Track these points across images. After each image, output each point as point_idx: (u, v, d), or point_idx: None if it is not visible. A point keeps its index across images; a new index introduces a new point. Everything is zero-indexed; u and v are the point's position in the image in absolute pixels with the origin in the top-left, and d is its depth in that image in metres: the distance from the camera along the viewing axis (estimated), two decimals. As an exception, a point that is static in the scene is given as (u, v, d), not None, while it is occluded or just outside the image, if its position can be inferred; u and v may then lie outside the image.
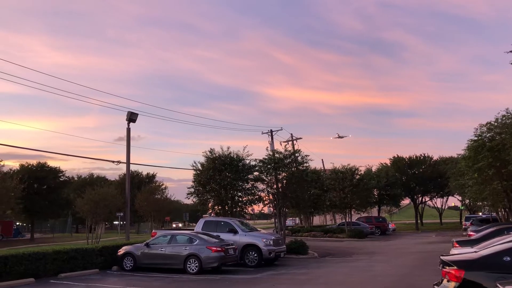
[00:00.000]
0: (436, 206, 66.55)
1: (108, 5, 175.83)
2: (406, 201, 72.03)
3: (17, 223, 58.06)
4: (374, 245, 30.82)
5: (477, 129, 25.31)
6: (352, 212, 41.85)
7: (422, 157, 58.32)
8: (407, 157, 58.71)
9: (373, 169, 51.86)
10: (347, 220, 40.24)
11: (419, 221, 60.83)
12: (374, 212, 62.07)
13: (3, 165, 38.46)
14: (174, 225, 66.23)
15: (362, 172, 41.76)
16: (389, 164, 58.72)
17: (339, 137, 62.52)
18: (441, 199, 64.14)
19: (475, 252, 8.50)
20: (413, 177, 57.41)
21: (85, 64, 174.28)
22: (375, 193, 50.34)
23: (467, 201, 52.25)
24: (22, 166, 45.76)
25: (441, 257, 7.86)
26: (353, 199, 38.07)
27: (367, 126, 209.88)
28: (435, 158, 58.35)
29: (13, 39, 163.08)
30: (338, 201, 38.24)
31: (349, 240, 35.58)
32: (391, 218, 71.73)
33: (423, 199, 62.35)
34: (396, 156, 59.31)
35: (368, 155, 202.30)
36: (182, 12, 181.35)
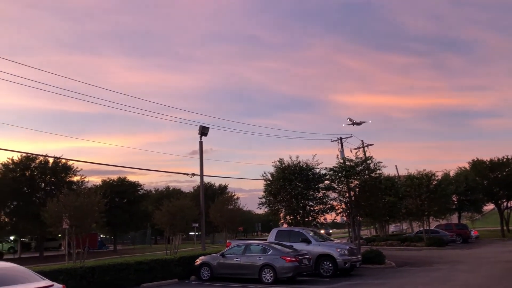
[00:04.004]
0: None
1: (176, 24, 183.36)
2: (490, 207, 67.68)
3: (101, 236, 61.57)
4: (456, 254, 29.28)
5: None
6: (430, 220, 40.07)
7: (505, 159, 54.56)
8: (488, 160, 55.23)
9: (451, 173, 49.44)
10: (425, 228, 38.60)
11: (505, 228, 56.90)
12: (454, 219, 58.96)
13: (88, 181, 41.46)
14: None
15: (439, 177, 39.95)
16: (468, 168, 55.62)
17: (353, 123, 52.33)
18: (530, 204, 59.56)
19: None
20: (496, 181, 53.85)
21: (157, 82, 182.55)
22: (454, 199, 47.92)
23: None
24: (104, 181, 48.65)
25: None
26: (431, 206, 36.50)
27: (442, 129, 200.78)
28: (520, 159, 54.34)
29: (91, 62, 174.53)
30: (414, 208, 36.85)
31: (428, 249, 34.09)
32: (473, 225, 67.66)
33: (509, 204, 58.29)
34: (475, 159, 56.01)
35: (444, 159, 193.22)
36: (246, 25, 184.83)
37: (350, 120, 51.39)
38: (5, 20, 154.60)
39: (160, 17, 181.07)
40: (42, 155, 38.59)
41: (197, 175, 27.99)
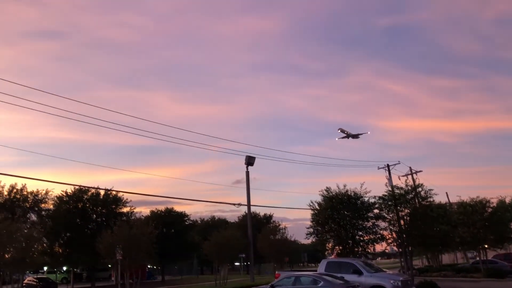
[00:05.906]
0: None
1: (220, 55, 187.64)
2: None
3: (149, 266, 62.28)
4: (518, 286, 27.59)
5: None
6: (487, 249, 38.10)
7: None
8: (547, 185, 52.49)
9: (507, 200, 47.18)
10: (482, 258, 36.72)
11: None
12: (512, 248, 55.84)
13: (140, 212, 42.31)
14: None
15: (494, 204, 38.15)
16: (525, 194, 52.93)
17: (348, 135, 43.43)
18: None
19: None
20: (558, 207, 50.85)
21: (202, 113, 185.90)
22: (512, 227, 45.49)
23: None
24: (152, 212, 49.59)
25: None
26: (486, 235, 34.77)
27: (494, 153, 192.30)
28: None
29: (140, 96, 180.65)
30: (469, 237, 35.23)
31: (486, 280, 32.27)
32: (535, 254, 63.69)
33: None
34: (533, 184, 53.37)
35: (498, 185, 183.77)
36: (288, 54, 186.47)
37: (342, 131, 44.01)
38: (58, 59, 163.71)
39: (203, 50, 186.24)
40: (93, 187, 39.97)
41: (244, 205, 28.12)
